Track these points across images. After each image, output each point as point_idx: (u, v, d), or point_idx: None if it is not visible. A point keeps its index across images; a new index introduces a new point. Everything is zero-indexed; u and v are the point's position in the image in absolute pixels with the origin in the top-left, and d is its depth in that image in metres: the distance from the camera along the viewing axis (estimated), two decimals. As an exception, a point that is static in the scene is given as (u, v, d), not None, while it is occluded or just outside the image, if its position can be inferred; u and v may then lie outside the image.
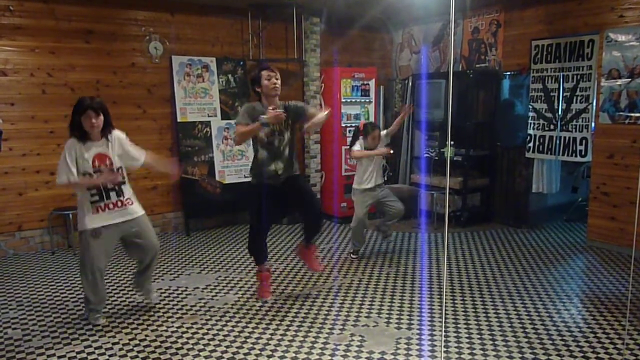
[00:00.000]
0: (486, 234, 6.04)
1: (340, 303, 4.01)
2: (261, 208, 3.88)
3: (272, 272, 4.75)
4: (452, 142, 6.33)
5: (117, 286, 4.43)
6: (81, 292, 4.28)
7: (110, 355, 3.20)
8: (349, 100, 6.75)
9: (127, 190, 3.65)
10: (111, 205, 3.56)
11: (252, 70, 3.88)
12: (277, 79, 3.82)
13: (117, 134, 3.66)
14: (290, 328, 3.57)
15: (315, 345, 3.31)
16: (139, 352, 3.25)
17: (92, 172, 3.48)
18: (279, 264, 5.00)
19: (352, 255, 5.16)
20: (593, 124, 5.46)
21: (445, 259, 5.14)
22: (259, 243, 4.09)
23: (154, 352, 3.25)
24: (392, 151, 5.11)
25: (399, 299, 4.06)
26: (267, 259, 4.24)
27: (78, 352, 3.25)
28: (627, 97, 5.09)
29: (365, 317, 3.74)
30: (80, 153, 3.46)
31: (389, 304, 3.98)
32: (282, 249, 5.50)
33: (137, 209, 3.69)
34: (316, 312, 3.84)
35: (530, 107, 5.99)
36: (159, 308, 3.95)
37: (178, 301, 4.09)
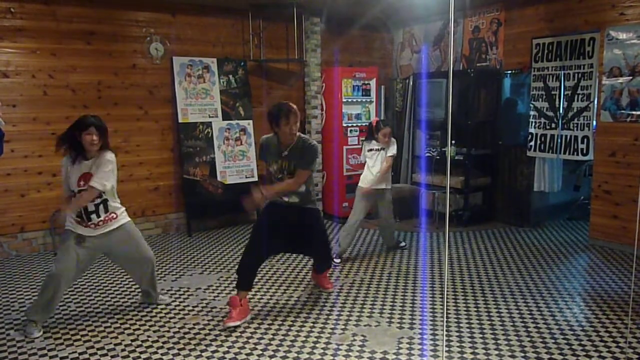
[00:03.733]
0: (488, 233, 6.03)
1: (342, 303, 4.01)
2: (265, 233, 3.76)
3: (274, 273, 4.75)
4: (453, 141, 6.33)
5: (118, 287, 4.43)
6: (82, 293, 4.30)
7: (112, 356, 3.21)
8: (350, 100, 6.75)
9: (110, 206, 3.56)
10: (92, 226, 3.53)
11: (272, 107, 3.82)
12: (294, 125, 3.70)
13: (106, 155, 3.57)
14: (292, 328, 3.57)
15: (317, 345, 3.31)
16: (141, 352, 3.25)
17: (77, 190, 3.47)
18: (281, 264, 5.00)
19: (335, 259, 4.91)
20: (594, 122, 5.45)
21: (447, 258, 5.14)
22: (250, 268, 3.79)
23: (156, 352, 3.25)
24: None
25: (401, 299, 4.06)
26: (248, 289, 3.81)
27: (80, 353, 3.26)
28: (629, 95, 5.08)
29: (367, 316, 3.74)
30: (69, 171, 3.49)
31: (391, 303, 3.98)
32: (283, 249, 5.50)
33: (121, 220, 3.63)
34: (318, 312, 3.84)
35: (532, 105, 5.98)
36: (161, 309, 3.95)
37: (180, 302, 4.09)
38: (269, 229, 3.80)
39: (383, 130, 4.98)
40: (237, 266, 3.88)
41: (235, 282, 3.85)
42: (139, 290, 4.13)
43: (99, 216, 3.51)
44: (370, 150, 5.11)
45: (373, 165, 5.05)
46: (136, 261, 3.79)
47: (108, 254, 3.79)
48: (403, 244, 5.48)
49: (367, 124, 6.71)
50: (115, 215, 3.60)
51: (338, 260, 4.98)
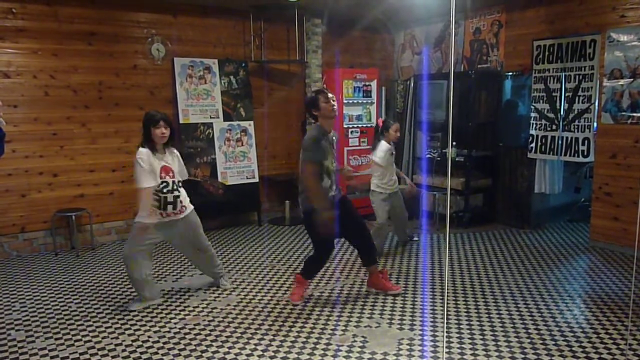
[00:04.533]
0: (488, 235, 6.03)
1: (343, 304, 4.01)
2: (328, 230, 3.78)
3: (275, 273, 4.76)
4: (454, 143, 6.33)
5: (119, 287, 4.43)
6: (82, 293, 4.30)
7: (113, 357, 3.21)
8: (350, 101, 6.75)
9: (183, 198, 3.97)
10: (165, 215, 3.88)
11: (307, 96, 3.99)
12: (334, 101, 3.83)
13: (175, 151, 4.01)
14: (292, 329, 3.57)
15: (317, 346, 3.32)
16: (141, 353, 3.25)
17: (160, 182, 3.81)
18: (282, 264, 5.01)
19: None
20: (595, 124, 5.45)
21: (447, 259, 5.14)
22: (323, 261, 4.08)
23: (156, 353, 3.25)
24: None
25: (401, 300, 4.06)
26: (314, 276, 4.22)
27: (81, 353, 3.26)
28: (630, 97, 5.09)
29: (368, 317, 3.74)
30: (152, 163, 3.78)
31: (391, 304, 3.98)
32: (283, 250, 5.50)
33: (187, 206, 4.01)
34: (319, 312, 3.84)
35: (532, 107, 5.98)
36: (162, 309, 3.95)
37: (181, 302, 4.09)
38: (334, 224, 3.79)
39: (394, 126, 5.01)
40: (310, 259, 4.08)
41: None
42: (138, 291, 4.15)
43: (175, 208, 3.88)
44: (392, 154, 5.13)
45: (383, 172, 5.06)
46: (192, 249, 4.17)
47: (170, 240, 4.15)
48: (416, 238, 5.59)
49: (373, 125, 6.75)
50: (185, 208, 3.97)
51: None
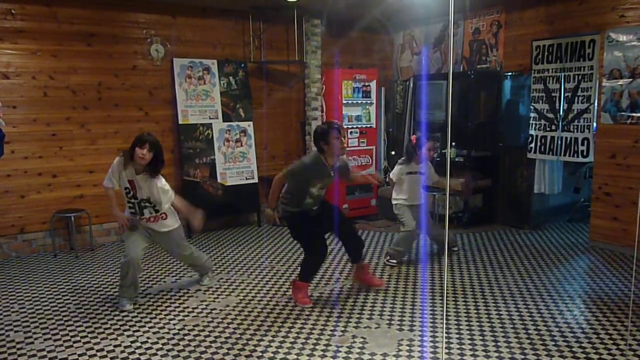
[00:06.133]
0: (488, 235, 6.03)
1: (342, 305, 4.00)
2: (313, 231, 4.02)
3: (275, 274, 4.75)
4: (453, 143, 6.33)
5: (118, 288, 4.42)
6: (81, 294, 4.30)
7: (112, 358, 3.21)
8: (350, 102, 6.75)
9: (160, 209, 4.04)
10: (145, 220, 4.01)
11: (318, 126, 4.03)
12: (345, 138, 3.92)
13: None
14: (292, 330, 3.57)
15: (317, 347, 3.31)
16: (140, 354, 3.25)
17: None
18: (281, 265, 5.00)
19: (390, 260, 5.01)
20: (595, 124, 5.45)
21: (447, 260, 5.13)
22: (318, 264, 4.13)
23: (155, 354, 3.25)
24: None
25: (401, 301, 4.06)
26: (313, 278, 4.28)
27: (80, 355, 3.25)
28: (629, 97, 5.08)
29: (367, 318, 3.74)
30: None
31: (391, 305, 3.98)
32: (283, 251, 5.50)
33: (169, 223, 4.10)
34: (318, 313, 3.84)
35: (532, 107, 5.98)
36: (161, 310, 3.95)
37: (180, 303, 4.09)
38: (311, 225, 4.03)
39: (428, 144, 4.84)
40: (305, 264, 4.13)
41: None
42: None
43: (150, 213, 4.00)
44: (410, 173, 4.91)
45: (412, 189, 4.91)
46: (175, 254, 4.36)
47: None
48: (455, 248, 5.42)
49: (373, 126, 6.74)
50: (165, 216, 4.06)
51: (394, 262, 5.00)
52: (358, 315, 3.79)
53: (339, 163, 4.04)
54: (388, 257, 5.04)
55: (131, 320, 3.77)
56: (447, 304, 4.00)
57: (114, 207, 3.99)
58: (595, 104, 5.42)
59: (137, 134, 3.96)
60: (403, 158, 5.00)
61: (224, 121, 6.34)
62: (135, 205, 3.96)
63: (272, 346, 3.33)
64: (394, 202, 5.02)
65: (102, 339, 3.47)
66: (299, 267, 4.90)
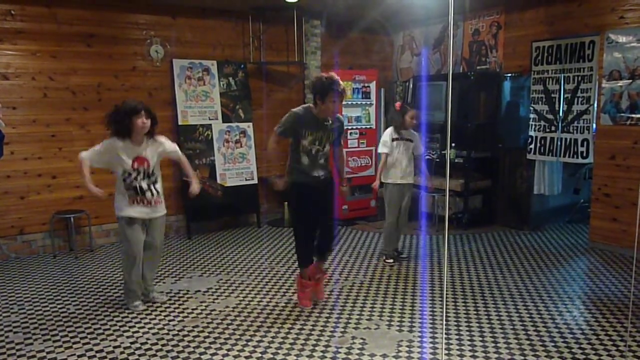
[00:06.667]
0: (488, 236, 6.03)
1: (342, 306, 4.00)
2: (306, 206, 3.89)
3: (274, 275, 4.75)
4: (453, 144, 6.33)
5: (118, 289, 4.42)
6: (81, 295, 4.29)
7: (111, 359, 3.20)
8: (350, 102, 6.74)
9: (160, 189, 3.95)
10: (145, 202, 3.84)
11: (320, 78, 3.82)
12: (340, 104, 3.89)
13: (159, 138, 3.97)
14: (291, 331, 3.57)
15: (316, 348, 3.31)
16: (140, 355, 3.24)
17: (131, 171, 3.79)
18: (280, 266, 5.00)
19: (386, 260, 5.04)
20: (594, 125, 5.45)
21: (447, 261, 5.13)
22: (307, 242, 3.97)
23: (155, 355, 3.24)
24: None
25: (400, 302, 4.06)
26: (312, 261, 4.03)
27: (79, 356, 3.25)
28: (628, 98, 5.09)
29: (367, 319, 3.74)
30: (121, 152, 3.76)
31: (390, 306, 3.97)
32: (282, 252, 5.49)
33: (163, 207, 3.99)
34: (317, 314, 3.84)
35: (531, 108, 5.98)
36: (160, 311, 3.95)
37: (179, 304, 4.09)
38: (308, 199, 3.88)
39: (410, 113, 4.88)
40: (294, 250, 4.06)
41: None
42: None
43: (152, 195, 3.85)
44: (396, 139, 4.91)
45: (400, 157, 4.90)
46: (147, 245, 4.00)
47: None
48: (404, 255, 5.30)
49: (372, 127, 6.74)
50: (161, 202, 3.95)
51: (391, 261, 5.02)
52: (357, 316, 3.78)
53: (337, 123, 3.96)
54: (384, 257, 5.06)
55: (131, 322, 3.76)
56: (446, 305, 4.00)
57: (89, 178, 3.73)
58: (595, 105, 5.42)
59: (117, 105, 3.81)
60: (390, 126, 5.03)
61: (223, 122, 6.34)
62: (136, 187, 3.77)
63: (271, 347, 3.32)
64: (384, 183, 5.00)
65: (101, 340, 3.46)
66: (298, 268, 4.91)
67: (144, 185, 3.81)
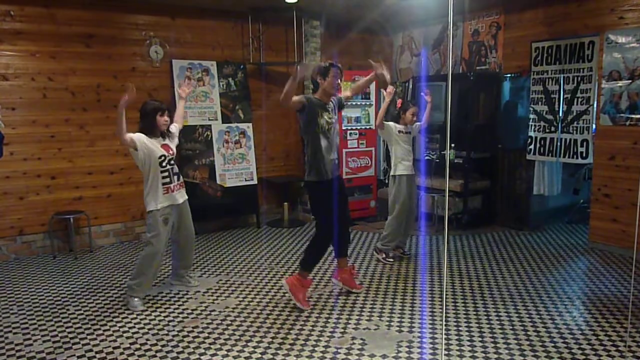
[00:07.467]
0: (487, 237, 6.03)
1: (341, 306, 4.00)
2: (331, 202, 3.92)
3: (274, 275, 4.75)
4: (452, 145, 6.33)
5: (117, 289, 4.42)
6: (80, 296, 4.29)
7: (111, 359, 3.21)
8: (349, 103, 6.72)
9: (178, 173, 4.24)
10: (176, 187, 4.13)
11: (319, 64, 4.16)
12: (341, 81, 4.02)
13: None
14: (291, 332, 3.56)
15: (316, 349, 3.31)
16: (139, 356, 3.24)
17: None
18: (280, 267, 5.00)
19: (387, 258, 5.05)
20: (594, 126, 5.46)
21: (446, 261, 5.13)
22: (327, 246, 4.06)
23: (155, 356, 3.24)
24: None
25: (400, 302, 4.06)
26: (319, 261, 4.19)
27: (79, 357, 3.25)
28: (628, 98, 5.09)
29: (367, 320, 3.74)
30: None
31: (390, 307, 3.97)
32: (282, 252, 5.49)
33: (184, 192, 4.27)
34: (317, 315, 3.83)
35: (531, 109, 5.99)
36: (160, 312, 3.94)
37: (179, 305, 4.08)
38: (333, 197, 3.94)
39: (411, 109, 4.96)
40: (309, 249, 4.08)
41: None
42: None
43: (178, 179, 4.16)
44: (401, 132, 4.98)
45: (408, 148, 4.98)
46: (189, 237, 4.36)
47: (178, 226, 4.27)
48: (407, 252, 5.33)
49: (372, 127, 6.74)
50: (183, 185, 4.26)
51: (391, 260, 5.04)
52: (357, 317, 3.78)
53: (335, 99, 4.09)
54: (383, 255, 5.05)
55: (130, 322, 3.76)
56: (446, 305, 4.00)
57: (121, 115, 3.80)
58: (595, 106, 5.42)
59: (146, 103, 4.04)
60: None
61: (223, 122, 6.34)
62: (169, 171, 4.06)
63: (271, 347, 3.32)
64: (393, 175, 4.97)
65: (101, 341, 3.46)
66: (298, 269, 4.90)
67: (176, 169, 4.15)
